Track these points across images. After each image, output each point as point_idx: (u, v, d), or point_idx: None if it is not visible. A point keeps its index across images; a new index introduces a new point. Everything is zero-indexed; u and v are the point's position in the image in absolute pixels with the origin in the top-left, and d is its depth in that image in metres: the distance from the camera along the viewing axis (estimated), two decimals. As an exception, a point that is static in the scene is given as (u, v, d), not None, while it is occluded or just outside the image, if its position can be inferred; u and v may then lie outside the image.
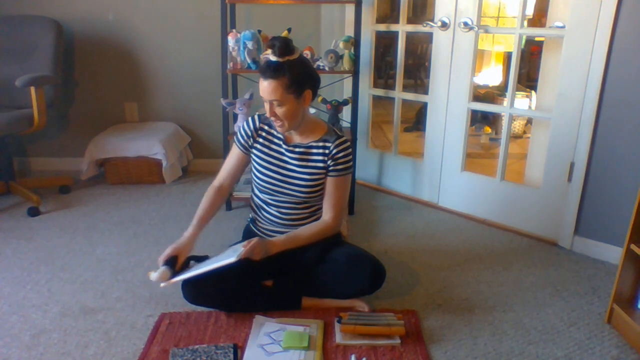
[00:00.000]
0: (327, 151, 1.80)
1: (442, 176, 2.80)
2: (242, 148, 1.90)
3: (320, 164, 1.81)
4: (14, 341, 1.66)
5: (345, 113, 2.80)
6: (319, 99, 2.63)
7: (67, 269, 2.12)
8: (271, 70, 1.65)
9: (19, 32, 2.84)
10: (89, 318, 1.79)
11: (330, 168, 1.81)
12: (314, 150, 1.81)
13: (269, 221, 1.91)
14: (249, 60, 2.52)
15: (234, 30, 2.57)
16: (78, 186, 3.06)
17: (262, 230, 1.93)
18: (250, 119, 1.89)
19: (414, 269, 2.16)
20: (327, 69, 2.58)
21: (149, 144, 3.02)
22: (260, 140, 1.87)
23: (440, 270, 2.16)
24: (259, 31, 2.59)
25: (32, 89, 2.50)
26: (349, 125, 2.72)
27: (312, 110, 2.79)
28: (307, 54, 2.59)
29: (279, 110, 1.71)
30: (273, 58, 1.67)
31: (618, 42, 2.05)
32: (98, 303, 1.88)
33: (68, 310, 1.83)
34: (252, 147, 1.88)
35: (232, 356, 1.56)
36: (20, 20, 2.89)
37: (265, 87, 1.68)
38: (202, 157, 3.42)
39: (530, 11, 5.05)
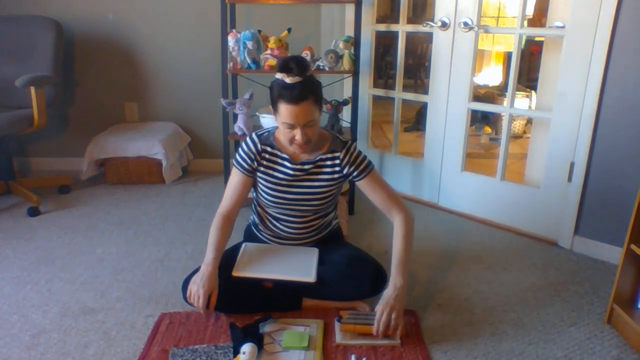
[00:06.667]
0: (337, 161, 1.77)
1: (442, 176, 2.80)
2: (246, 172, 1.79)
3: (333, 175, 1.78)
4: (14, 341, 1.66)
5: (345, 113, 2.80)
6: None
7: (67, 269, 2.12)
8: (300, 92, 1.57)
9: (19, 32, 2.84)
10: (89, 318, 1.79)
11: (355, 174, 1.76)
12: (323, 163, 1.78)
13: (276, 231, 1.90)
14: (249, 60, 2.53)
15: (234, 30, 2.57)
16: (78, 186, 3.06)
17: (266, 235, 1.93)
18: (249, 141, 1.79)
19: (414, 269, 2.15)
20: (327, 69, 2.58)
21: (149, 144, 3.02)
22: (264, 162, 1.78)
23: (440, 270, 2.16)
24: (259, 31, 2.59)
25: (32, 89, 2.50)
26: (349, 125, 2.72)
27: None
28: (307, 54, 2.59)
29: (310, 131, 1.64)
30: (293, 80, 1.57)
31: (618, 42, 2.05)
32: (98, 303, 1.88)
33: (68, 310, 1.83)
34: (256, 170, 1.79)
35: (232, 356, 1.56)
36: (20, 20, 2.89)
37: (298, 111, 1.58)
38: (202, 157, 3.42)
39: (530, 11, 5.05)
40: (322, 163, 1.77)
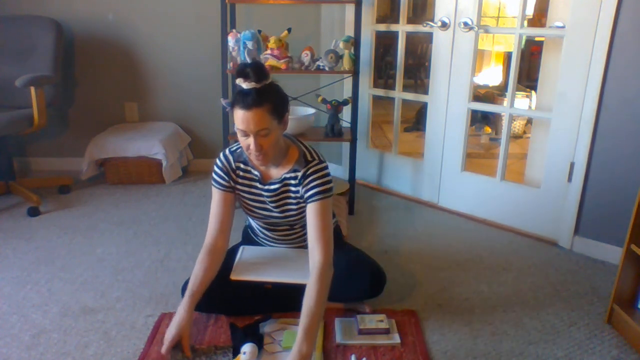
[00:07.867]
0: (297, 181, 1.68)
1: (442, 176, 2.80)
2: (225, 188, 1.73)
3: (298, 194, 1.71)
4: (14, 341, 1.66)
5: (345, 113, 2.80)
6: (319, 99, 2.63)
7: (67, 269, 2.12)
8: (254, 98, 1.50)
9: (19, 32, 2.84)
10: (89, 318, 1.79)
11: (306, 195, 1.67)
12: (288, 182, 1.71)
13: (267, 237, 1.90)
14: (249, 60, 2.52)
15: (234, 30, 2.57)
16: (78, 186, 3.06)
17: (261, 238, 1.93)
18: (222, 157, 1.73)
19: (414, 269, 2.16)
20: (327, 69, 2.57)
21: (149, 144, 3.02)
22: (240, 180, 1.73)
23: (440, 270, 2.16)
24: (259, 31, 2.59)
25: (32, 89, 2.50)
26: (349, 125, 2.72)
27: (311, 111, 2.80)
28: (307, 54, 2.59)
29: (265, 141, 1.55)
30: (249, 85, 1.51)
31: (618, 42, 2.05)
32: (98, 303, 1.88)
33: (68, 310, 1.83)
34: (234, 187, 1.74)
35: (232, 356, 1.57)
36: (20, 20, 2.89)
37: (250, 117, 1.51)
38: (202, 157, 3.42)
39: (530, 11, 5.06)
40: (287, 182, 1.71)
